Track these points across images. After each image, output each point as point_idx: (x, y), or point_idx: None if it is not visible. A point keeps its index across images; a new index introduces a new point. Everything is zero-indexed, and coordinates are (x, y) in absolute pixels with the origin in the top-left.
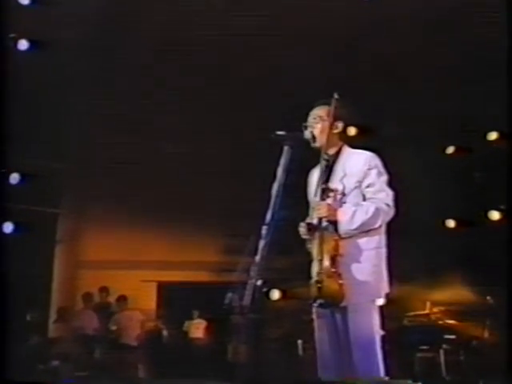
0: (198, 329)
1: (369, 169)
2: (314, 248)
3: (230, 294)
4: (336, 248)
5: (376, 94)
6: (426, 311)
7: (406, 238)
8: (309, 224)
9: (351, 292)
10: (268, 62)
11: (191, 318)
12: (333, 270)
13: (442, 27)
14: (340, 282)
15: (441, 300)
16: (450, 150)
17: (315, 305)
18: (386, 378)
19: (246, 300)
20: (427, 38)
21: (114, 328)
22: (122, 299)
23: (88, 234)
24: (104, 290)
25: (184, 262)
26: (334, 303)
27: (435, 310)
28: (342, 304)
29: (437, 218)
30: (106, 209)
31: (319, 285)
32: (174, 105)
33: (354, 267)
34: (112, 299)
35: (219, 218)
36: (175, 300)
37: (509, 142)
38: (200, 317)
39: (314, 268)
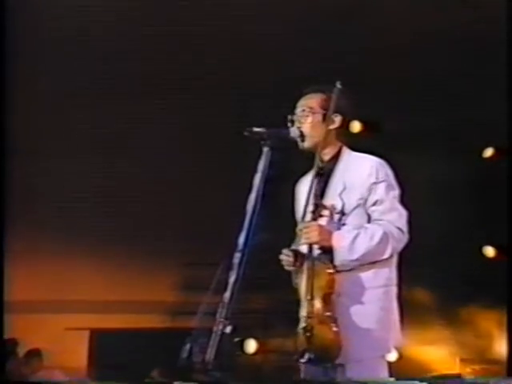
0: None
1: (376, 181)
2: (301, 284)
3: (188, 346)
4: (330, 284)
5: (384, 79)
6: (456, 371)
7: (424, 272)
8: (295, 252)
9: (352, 344)
10: (249, 41)
11: (149, 376)
12: (326, 313)
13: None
14: (335, 329)
15: (476, 355)
16: (488, 152)
17: (303, 360)
18: (392, 379)
19: (211, 353)
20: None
21: None
22: (34, 355)
23: None
24: (11, 342)
25: (126, 303)
26: (328, 358)
27: (468, 369)
28: (339, 360)
29: (471, 244)
30: (17, 230)
31: (308, 333)
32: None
33: (356, 310)
34: (22, 355)
35: (175, 242)
36: (114, 353)
37: None
38: (160, 375)
39: (303, 310)
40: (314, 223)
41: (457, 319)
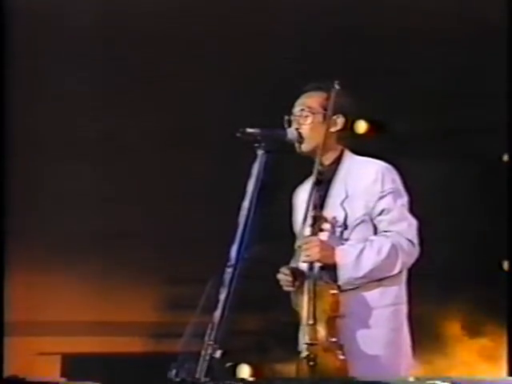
0: None
1: (382, 187)
2: (302, 306)
3: (174, 372)
4: (335, 307)
5: (390, 76)
6: None
7: (436, 289)
8: (294, 270)
9: (359, 372)
10: (244, 36)
11: None
12: (331, 339)
13: None
14: (342, 357)
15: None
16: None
17: None
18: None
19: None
20: None
21: None
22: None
23: None
24: None
25: (104, 324)
26: None
27: None
28: None
29: (488, 257)
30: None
31: (312, 362)
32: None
33: (362, 334)
34: None
35: (159, 254)
36: (91, 381)
37: None
38: None
39: (304, 336)
40: (314, 239)
41: (474, 339)
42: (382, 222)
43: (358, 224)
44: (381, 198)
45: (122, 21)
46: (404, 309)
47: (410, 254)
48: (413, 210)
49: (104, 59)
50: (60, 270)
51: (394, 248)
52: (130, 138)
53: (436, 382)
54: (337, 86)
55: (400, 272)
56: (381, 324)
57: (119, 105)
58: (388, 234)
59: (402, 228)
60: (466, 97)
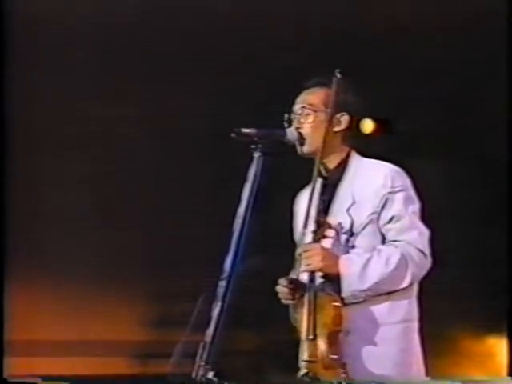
0: None
1: (392, 192)
2: (302, 320)
3: None
4: (337, 320)
5: (399, 71)
6: None
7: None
8: (294, 281)
9: None
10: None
11: None
12: (333, 356)
13: None
14: (343, 376)
15: None
16: None
17: None
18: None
19: None
20: None
21: None
22: None
23: None
24: None
25: (85, 343)
26: None
27: None
28: None
29: (502, 269)
30: None
31: (311, 381)
32: None
33: (368, 353)
34: None
35: (146, 265)
36: None
37: None
38: None
39: (304, 352)
40: (316, 246)
41: (491, 359)
42: (391, 231)
43: (365, 231)
44: (389, 203)
45: (121, 20)
46: (415, 326)
47: (421, 265)
48: (424, 217)
49: (103, 59)
50: (33, 284)
51: (404, 259)
52: (130, 139)
53: (435, 382)
54: (338, 75)
55: (410, 285)
56: (389, 343)
57: (119, 105)
58: (397, 243)
59: (412, 237)
60: (467, 97)
